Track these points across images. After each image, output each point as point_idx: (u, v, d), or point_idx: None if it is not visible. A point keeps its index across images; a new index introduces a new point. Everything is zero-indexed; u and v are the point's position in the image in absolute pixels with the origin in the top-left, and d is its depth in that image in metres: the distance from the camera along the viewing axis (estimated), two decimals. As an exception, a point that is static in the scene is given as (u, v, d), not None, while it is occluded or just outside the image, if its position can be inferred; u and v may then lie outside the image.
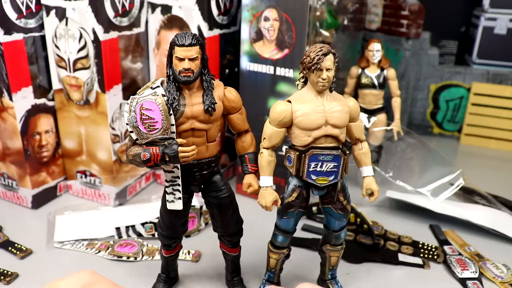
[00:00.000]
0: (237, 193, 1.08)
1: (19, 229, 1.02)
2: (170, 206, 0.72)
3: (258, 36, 1.04)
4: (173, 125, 0.66)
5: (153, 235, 0.99)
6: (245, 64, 1.08)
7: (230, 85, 0.74)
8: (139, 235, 0.99)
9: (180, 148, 0.65)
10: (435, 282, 0.89)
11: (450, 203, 1.12)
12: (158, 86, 0.67)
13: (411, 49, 1.52)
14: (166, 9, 1.07)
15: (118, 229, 0.99)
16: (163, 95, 0.65)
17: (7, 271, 0.86)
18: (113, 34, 1.01)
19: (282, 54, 1.02)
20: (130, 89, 1.11)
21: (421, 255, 0.96)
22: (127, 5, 1.04)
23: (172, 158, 0.65)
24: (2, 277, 0.84)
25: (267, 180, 0.71)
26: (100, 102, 1.04)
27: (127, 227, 0.99)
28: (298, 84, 0.71)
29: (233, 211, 0.76)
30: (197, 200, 1.02)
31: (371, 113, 1.22)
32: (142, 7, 1.09)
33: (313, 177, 0.70)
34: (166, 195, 0.72)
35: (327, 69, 0.66)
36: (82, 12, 0.97)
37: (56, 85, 1.07)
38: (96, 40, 0.98)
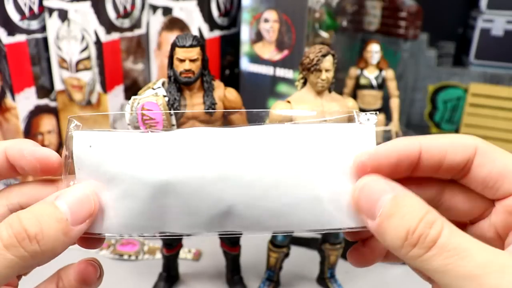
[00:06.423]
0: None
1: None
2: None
3: (258, 37, 1.05)
4: (174, 125, 0.67)
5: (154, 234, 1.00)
6: (245, 65, 1.09)
7: (230, 86, 0.75)
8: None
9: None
10: (433, 280, 0.89)
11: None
12: (159, 87, 0.68)
13: (409, 50, 1.53)
14: (167, 10, 1.07)
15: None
16: (164, 96, 0.66)
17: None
18: (115, 36, 1.02)
19: (281, 55, 1.03)
20: (132, 90, 1.12)
21: (419, 253, 0.96)
22: (128, 7, 1.05)
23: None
24: None
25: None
26: (101, 102, 1.05)
27: (128, 227, 1.00)
28: (297, 85, 0.72)
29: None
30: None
31: (369, 113, 1.23)
32: (144, 9, 1.10)
33: (312, 176, 0.71)
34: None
35: (326, 70, 0.67)
36: (84, 14, 0.98)
37: (58, 86, 1.08)
38: (98, 42, 0.99)
